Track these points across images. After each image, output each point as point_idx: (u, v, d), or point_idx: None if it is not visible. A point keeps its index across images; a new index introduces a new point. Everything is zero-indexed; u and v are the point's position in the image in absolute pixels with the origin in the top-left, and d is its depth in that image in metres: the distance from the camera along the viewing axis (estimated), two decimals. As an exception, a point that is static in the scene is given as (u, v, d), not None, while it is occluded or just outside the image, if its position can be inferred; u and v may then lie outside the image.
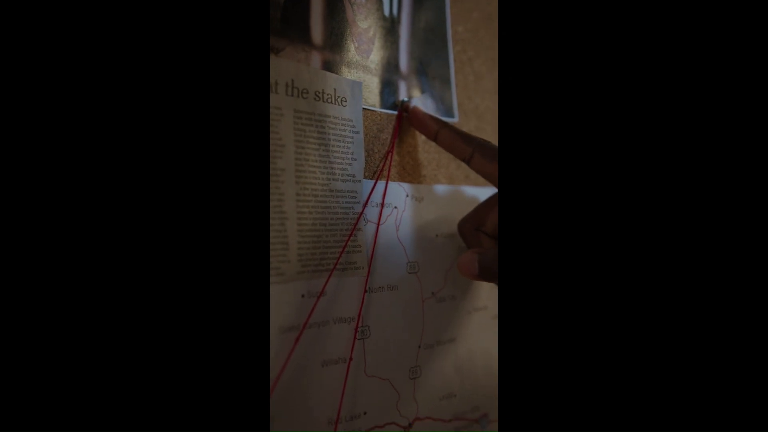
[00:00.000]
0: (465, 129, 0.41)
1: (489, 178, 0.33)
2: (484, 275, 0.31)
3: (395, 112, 0.36)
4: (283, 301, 0.28)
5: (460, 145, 0.34)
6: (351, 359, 0.31)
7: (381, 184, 0.34)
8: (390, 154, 0.35)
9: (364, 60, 0.34)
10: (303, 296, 0.29)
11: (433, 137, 0.35)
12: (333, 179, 0.31)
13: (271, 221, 0.28)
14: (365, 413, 0.32)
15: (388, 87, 0.36)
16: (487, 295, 0.40)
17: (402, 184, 0.36)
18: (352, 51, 0.34)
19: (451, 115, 0.40)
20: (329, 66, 0.32)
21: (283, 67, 0.29)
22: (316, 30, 0.32)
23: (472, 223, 0.35)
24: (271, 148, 0.28)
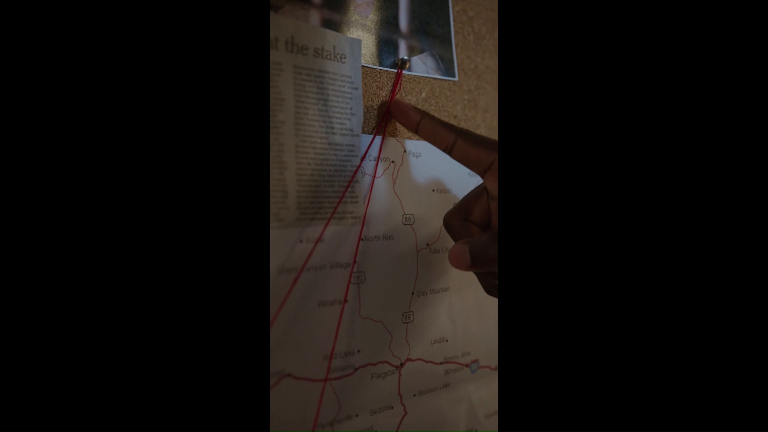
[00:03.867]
0: (465, 88, 0.42)
1: (471, 165, 0.33)
2: (476, 263, 0.30)
3: (395, 71, 0.37)
4: (282, 245, 0.31)
5: (442, 132, 0.33)
6: (345, 301, 0.34)
7: (379, 138, 0.36)
8: (388, 110, 0.37)
9: (363, 19, 0.36)
10: (301, 241, 0.32)
11: (415, 127, 0.35)
12: (332, 133, 0.33)
13: (271, 171, 0.30)
14: (359, 351, 0.34)
15: (387, 46, 0.37)
16: (481, 248, 0.42)
17: (400, 139, 0.38)
18: (351, 10, 0.35)
19: (452, 74, 0.41)
20: (328, 25, 0.34)
21: (282, 23, 0.31)
22: (316, -11, 0.33)
23: (460, 214, 0.35)
24: (271, 101, 0.30)
